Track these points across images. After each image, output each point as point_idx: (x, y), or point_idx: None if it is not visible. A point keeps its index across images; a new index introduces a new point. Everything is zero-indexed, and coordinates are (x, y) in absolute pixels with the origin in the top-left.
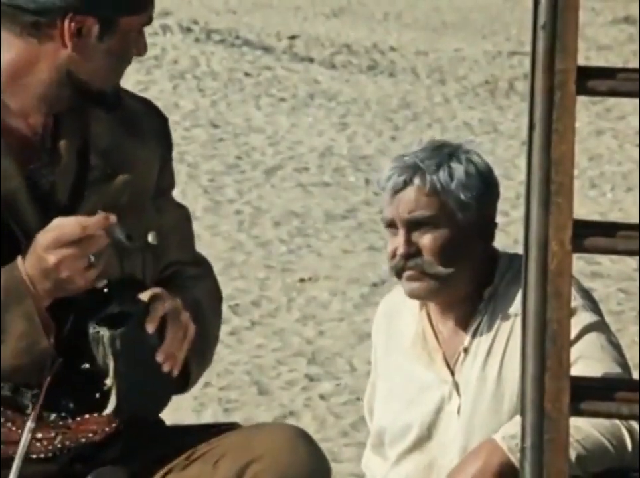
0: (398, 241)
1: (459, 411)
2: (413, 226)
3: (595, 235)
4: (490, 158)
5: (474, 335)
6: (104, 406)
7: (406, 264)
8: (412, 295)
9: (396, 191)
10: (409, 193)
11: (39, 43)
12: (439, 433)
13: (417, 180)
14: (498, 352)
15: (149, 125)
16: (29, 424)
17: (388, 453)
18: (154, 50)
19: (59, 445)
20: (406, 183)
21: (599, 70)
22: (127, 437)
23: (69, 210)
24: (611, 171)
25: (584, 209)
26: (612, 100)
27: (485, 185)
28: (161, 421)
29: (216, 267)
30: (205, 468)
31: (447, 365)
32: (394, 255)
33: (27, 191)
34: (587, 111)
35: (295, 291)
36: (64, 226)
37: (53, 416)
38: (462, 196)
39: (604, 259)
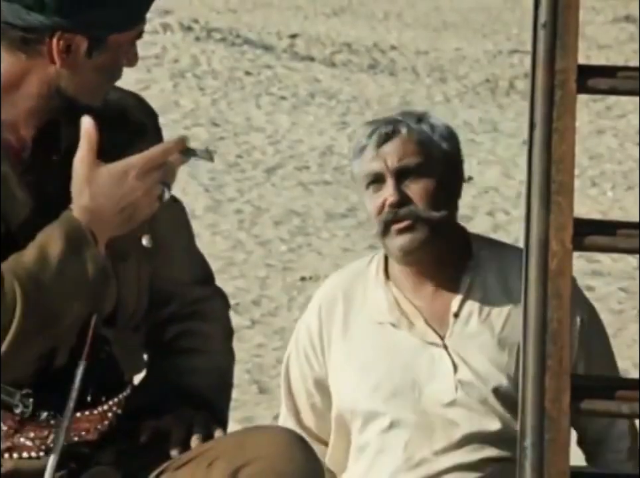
0: (386, 193)
1: (455, 371)
2: (402, 174)
3: (596, 233)
4: (490, 157)
5: (463, 302)
6: (94, 405)
7: (397, 214)
8: (404, 248)
9: (382, 143)
10: (397, 143)
11: (28, 58)
12: (433, 394)
13: (403, 130)
14: (494, 314)
15: (138, 124)
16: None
17: (366, 434)
18: (154, 49)
19: (51, 444)
20: (394, 133)
21: (600, 69)
22: (120, 439)
23: (60, 208)
24: (612, 170)
25: (585, 208)
26: (612, 99)
27: (457, 141)
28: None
29: (217, 266)
30: (198, 469)
31: (432, 329)
32: (381, 210)
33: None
34: (587, 110)
35: (296, 290)
36: (149, 152)
37: (44, 415)
38: (444, 145)
39: (604, 257)
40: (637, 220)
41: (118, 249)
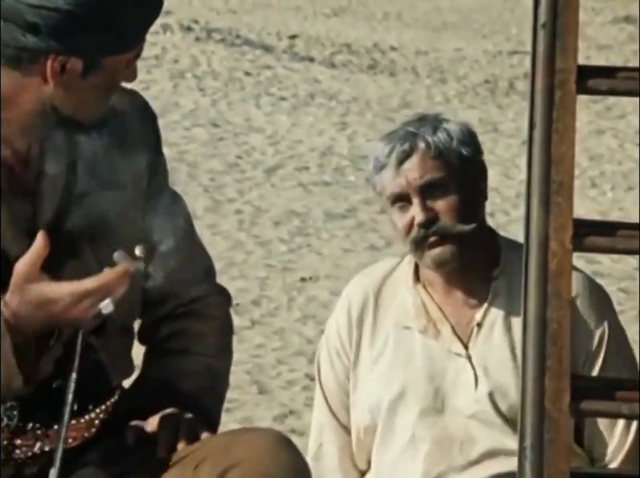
0: (413, 212)
1: (476, 384)
2: (426, 191)
3: (596, 234)
4: (490, 157)
5: (487, 312)
6: (81, 414)
7: (428, 232)
8: (437, 261)
9: (401, 162)
10: (416, 160)
11: (22, 76)
12: (455, 406)
13: (421, 145)
14: (516, 325)
15: (136, 127)
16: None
17: (388, 446)
18: (154, 49)
19: (38, 451)
20: (412, 150)
21: (600, 69)
22: (107, 441)
23: (54, 227)
24: (611, 170)
25: (584, 208)
26: (612, 99)
27: (476, 140)
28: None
29: (217, 267)
30: (185, 472)
31: (458, 338)
32: (410, 229)
33: (7, 213)
34: (587, 111)
35: (296, 291)
36: (83, 282)
37: (29, 425)
38: (464, 152)
39: (604, 258)
40: (637, 220)
41: (111, 266)
